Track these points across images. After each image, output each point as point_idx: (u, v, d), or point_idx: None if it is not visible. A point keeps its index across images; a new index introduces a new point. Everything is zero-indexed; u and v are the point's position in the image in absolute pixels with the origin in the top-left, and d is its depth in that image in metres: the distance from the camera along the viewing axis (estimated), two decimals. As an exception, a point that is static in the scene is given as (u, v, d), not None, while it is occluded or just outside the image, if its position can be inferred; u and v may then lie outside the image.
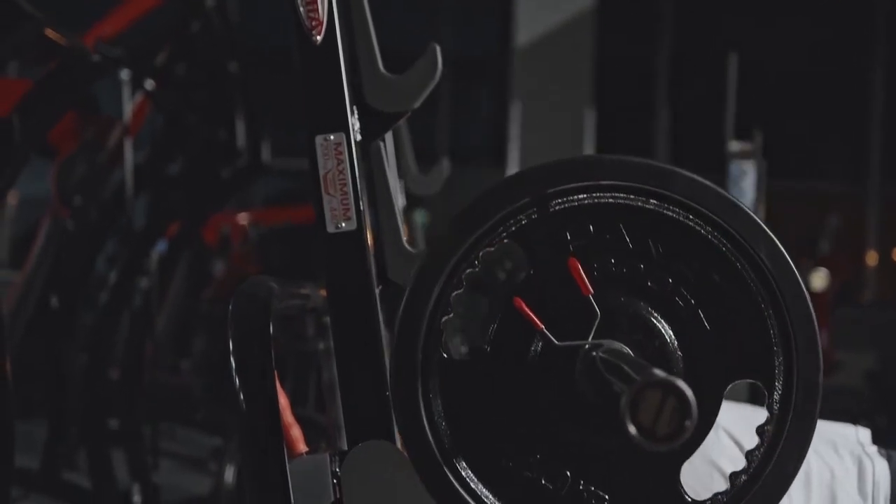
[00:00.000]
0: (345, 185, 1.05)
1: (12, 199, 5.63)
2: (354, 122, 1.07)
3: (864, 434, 1.55)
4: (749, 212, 0.96)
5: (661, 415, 0.79)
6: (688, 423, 0.79)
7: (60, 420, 3.42)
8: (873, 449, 1.52)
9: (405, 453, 1.05)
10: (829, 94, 9.14)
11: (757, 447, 0.96)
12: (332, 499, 1.04)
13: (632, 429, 0.79)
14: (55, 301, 3.33)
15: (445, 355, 0.97)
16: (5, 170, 1.89)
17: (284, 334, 2.97)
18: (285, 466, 1.02)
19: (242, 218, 5.11)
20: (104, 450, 3.16)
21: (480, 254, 0.97)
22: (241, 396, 1.03)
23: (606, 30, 8.33)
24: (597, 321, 0.94)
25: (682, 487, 0.97)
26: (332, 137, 1.05)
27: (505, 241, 0.97)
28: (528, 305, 0.95)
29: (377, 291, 1.07)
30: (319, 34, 1.05)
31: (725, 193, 0.97)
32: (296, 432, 1.15)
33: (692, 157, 7.83)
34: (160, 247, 3.72)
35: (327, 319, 1.10)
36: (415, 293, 0.97)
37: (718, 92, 5.08)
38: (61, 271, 3.36)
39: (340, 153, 1.05)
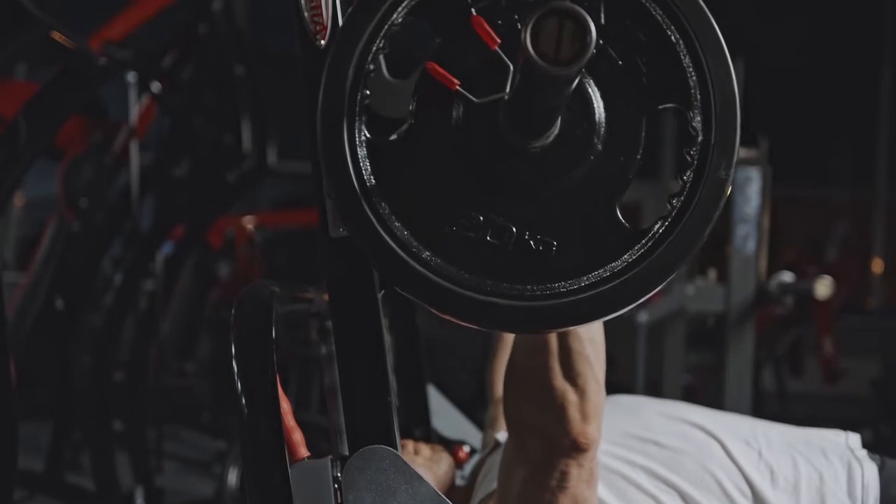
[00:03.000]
0: (348, 189, 1.05)
1: (18, 200, 5.64)
2: (358, 127, 1.07)
3: (854, 439, 1.56)
4: None
5: (561, 40, 0.81)
6: (588, 38, 0.81)
7: (65, 422, 3.42)
8: (863, 453, 1.53)
9: (405, 459, 1.05)
10: (836, 100, 9.13)
11: (687, 167, 0.96)
12: (333, 503, 1.05)
13: (537, 59, 0.80)
14: (60, 303, 3.33)
15: (369, 135, 0.97)
16: (11, 172, 1.90)
17: (287, 339, 2.98)
18: (287, 471, 1.02)
19: (248, 221, 5.11)
20: (108, 452, 3.16)
21: (388, 33, 0.98)
22: (244, 401, 1.03)
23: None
24: (511, 73, 0.94)
25: (621, 218, 0.97)
26: (335, 142, 1.05)
27: (409, 16, 0.97)
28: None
29: (379, 296, 1.07)
30: (324, 39, 1.06)
31: None
32: (297, 437, 1.15)
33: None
34: (166, 249, 3.72)
35: (330, 324, 1.10)
36: (329, 83, 0.97)
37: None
38: (67, 273, 3.37)
39: (344, 158, 1.05)
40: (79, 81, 2.05)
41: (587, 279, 0.95)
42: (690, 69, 0.96)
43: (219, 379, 4.62)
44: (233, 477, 3.13)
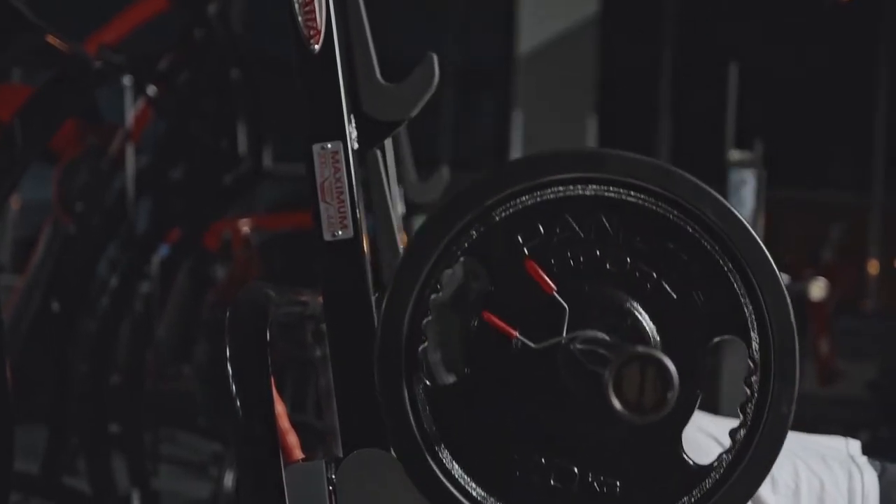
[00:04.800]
0: (342, 193, 1.05)
1: (14, 203, 5.64)
2: (352, 131, 1.08)
3: (854, 445, 1.57)
4: (684, 174, 0.98)
5: (644, 387, 0.81)
6: (671, 391, 0.82)
7: (61, 425, 3.42)
8: (863, 459, 1.53)
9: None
10: (832, 102, 9.14)
11: (748, 399, 0.97)
12: (328, 506, 1.05)
13: (619, 406, 0.81)
14: (56, 306, 3.33)
15: (429, 383, 0.98)
16: (8, 175, 1.90)
17: (283, 341, 2.98)
18: (281, 473, 1.03)
19: (244, 223, 5.11)
20: (104, 455, 3.16)
21: (441, 277, 0.98)
22: (238, 403, 1.03)
23: (609, 40, 8.34)
24: (567, 315, 0.95)
25: (685, 454, 0.97)
26: (329, 146, 1.06)
27: (461, 259, 0.98)
28: (497, 316, 0.96)
29: (374, 299, 1.07)
30: (317, 43, 1.06)
31: (656, 162, 0.98)
32: (292, 439, 1.15)
33: (693, 165, 7.82)
34: (162, 252, 3.72)
35: (325, 326, 1.10)
36: (386, 327, 0.98)
37: (720, 101, 5.08)
38: (62, 276, 3.37)
39: (338, 161, 1.06)
40: (74, 85, 2.05)
41: None
42: (746, 299, 0.96)
43: (216, 381, 4.61)
44: (229, 479, 3.13)
